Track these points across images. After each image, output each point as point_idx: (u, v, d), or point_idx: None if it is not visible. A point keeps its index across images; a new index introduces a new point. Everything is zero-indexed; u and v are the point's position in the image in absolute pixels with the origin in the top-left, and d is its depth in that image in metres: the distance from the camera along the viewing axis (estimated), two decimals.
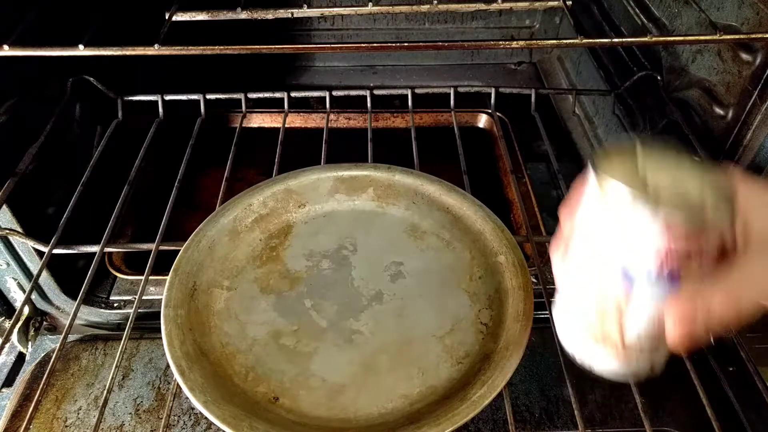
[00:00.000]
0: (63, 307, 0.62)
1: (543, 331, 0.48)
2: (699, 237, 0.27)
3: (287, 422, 0.42)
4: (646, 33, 0.68)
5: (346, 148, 0.65)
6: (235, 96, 0.75)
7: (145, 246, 0.58)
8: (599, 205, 0.30)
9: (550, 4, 0.60)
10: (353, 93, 0.77)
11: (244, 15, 0.56)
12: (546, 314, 0.52)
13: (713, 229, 0.27)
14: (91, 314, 0.62)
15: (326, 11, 0.59)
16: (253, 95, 0.76)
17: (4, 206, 0.54)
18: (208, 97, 0.74)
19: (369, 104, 0.75)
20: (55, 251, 0.56)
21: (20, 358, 0.60)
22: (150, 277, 0.54)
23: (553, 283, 0.64)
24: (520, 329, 0.45)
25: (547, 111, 0.90)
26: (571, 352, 0.36)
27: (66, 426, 0.52)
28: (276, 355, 0.46)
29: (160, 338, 0.44)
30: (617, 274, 0.30)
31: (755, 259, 0.26)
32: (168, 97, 0.73)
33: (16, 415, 0.53)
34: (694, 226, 0.27)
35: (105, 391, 0.45)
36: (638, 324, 0.31)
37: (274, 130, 0.79)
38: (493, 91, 0.75)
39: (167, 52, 0.47)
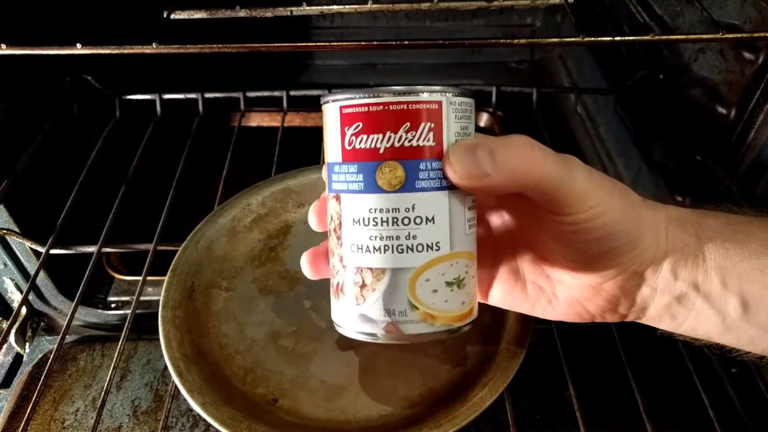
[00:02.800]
0: (60, 307, 0.62)
1: (544, 332, 0.48)
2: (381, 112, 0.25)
3: (286, 424, 0.42)
4: (648, 31, 0.68)
5: None
6: (233, 95, 0.75)
7: (143, 246, 0.57)
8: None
9: (552, 1, 0.59)
10: None
11: (242, 13, 0.56)
12: None
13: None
14: (88, 315, 0.62)
15: (326, 9, 0.58)
16: (251, 94, 0.75)
17: (1, 206, 0.54)
18: (207, 96, 0.73)
19: None
20: (53, 251, 0.55)
21: (17, 359, 0.60)
22: (148, 278, 0.53)
23: None
24: (521, 330, 0.45)
25: (549, 110, 0.89)
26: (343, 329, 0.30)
27: (64, 427, 0.52)
28: (275, 356, 0.46)
29: (158, 339, 0.43)
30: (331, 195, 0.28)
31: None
32: (166, 96, 0.73)
33: (14, 416, 0.53)
34: (370, 98, 0.25)
35: (102, 393, 0.45)
36: (352, 241, 0.27)
37: (273, 129, 0.79)
38: (494, 89, 0.74)
39: (165, 51, 0.46)
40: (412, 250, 0.26)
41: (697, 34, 0.56)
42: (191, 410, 0.53)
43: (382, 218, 0.26)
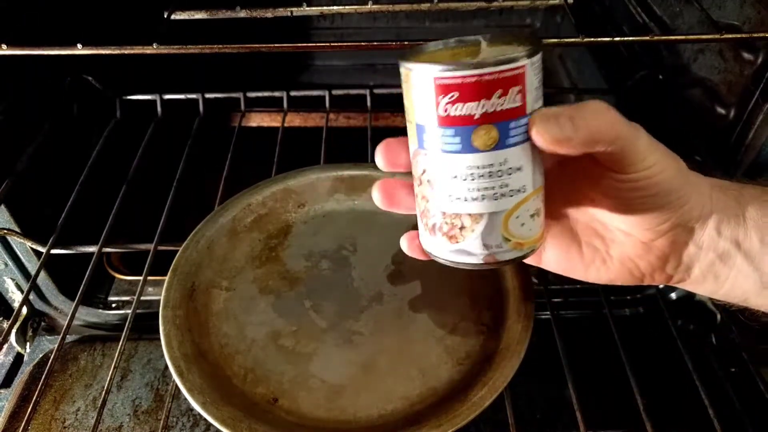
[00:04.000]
0: (61, 307, 0.62)
1: (544, 332, 0.48)
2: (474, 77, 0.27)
3: (286, 423, 0.42)
4: (648, 32, 0.68)
5: (346, 148, 0.65)
6: (233, 95, 0.75)
7: (143, 246, 0.57)
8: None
9: (551, 2, 0.60)
10: (353, 92, 0.76)
11: (243, 14, 0.56)
12: (547, 314, 0.51)
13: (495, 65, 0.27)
14: (89, 315, 0.62)
15: (326, 10, 0.58)
16: (252, 94, 0.75)
17: (2, 206, 0.54)
18: (207, 96, 0.74)
19: (369, 103, 0.75)
20: (53, 251, 0.55)
21: (18, 359, 0.60)
22: (148, 278, 0.53)
23: (554, 284, 0.64)
24: (520, 330, 0.45)
25: None
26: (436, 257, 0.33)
27: (64, 427, 0.52)
28: (275, 355, 0.46)
29: (159, 339, 0.44)
30: (419, 148, 0.30)
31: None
32: (166, 97, 0.73)
33: (15, 416, 0.53)
34: (464, 67, 0.27)
35: (103, 392, 0.45)
36: (447, 193, 0.30)
37: (273, 130, 0.79)
38: None
39: (166, 51, 0.47)
40: (504, 195, 0.29)
41: (697, 35, 0.56)
42: (192, 410, 0.53)
43: (479, 173, 0.29)
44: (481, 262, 0.31)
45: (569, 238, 0.36)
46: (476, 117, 0.27)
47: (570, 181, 0.35)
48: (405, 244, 0.36)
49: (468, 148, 0.28)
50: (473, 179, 0.29)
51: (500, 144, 0.28)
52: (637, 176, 0.30)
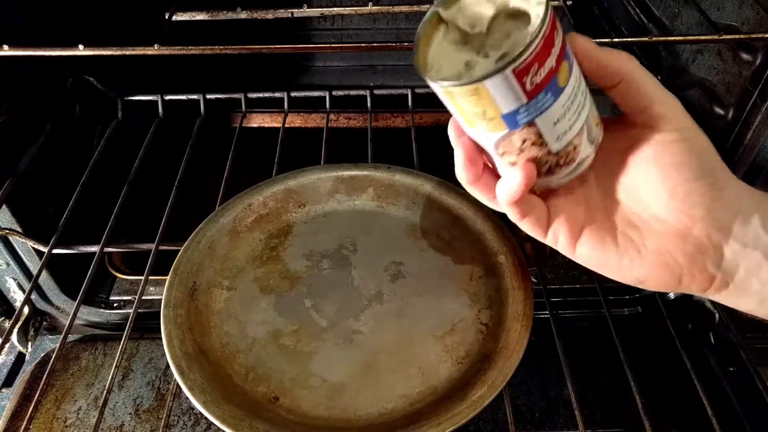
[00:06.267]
0: (63, 307, 0.62)
1: (543, 332, 0.48)
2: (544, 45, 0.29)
3: (287, 422, 0.42)
4: (647, 33, 0.68)
5: (346, 148, 0.65)
6: (234, 96, 0.75)
7: (144, 246, 0.58)
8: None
9: (550, 3, 0.59)
10: (353, 93, 0.77)
11: (243, 15, 0.56)
12: (546, 314, 0.52)
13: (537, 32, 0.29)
14: (90, 314, 0.62)
15: (326, 11, 0.59)
16: (252, 95, 0.76)
17: (4, 206, 0.54)
18: (208, 97, 0.74)
19: (369, 104, 0.75)
20: (55, 251, 0.56)
21: (20, 358, 0.60)
22: (150, 277, 0.54)
23: (552, 284, 0.64)
24: (520, 329, 0.45)
25: None
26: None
27: (66, 426, 0.52)
28: (276, 354, 0.46)
29: (160, 338, 0.44)
30: (500, 133, 0.32)
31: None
32: (168, 97, 0.73)
33: (16, 415, 0.53)
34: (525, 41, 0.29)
35: (105, 391, 0.45)
36: (556, 133, 0.33)
37: (274, 130, 0.79)
38: None
39: (167, 53, 0.47)
40: (585, 100, 0.33)
41: (695, 35, 0.56)
42: (193, 408, 0.53)
43: (570, 101, 0.32)
44: (593, 154, 0.35)
45: (604, 230, 0.36)
46: (554, 66, 0.30)
47: (604, 163, 0.36)
48: (513, 192, 0.34)
49: (557, 93, 0.31)
50: (569, 109, 0.32)
51: (570, 70, 0.31)
52: (670, 136, 0.33)
